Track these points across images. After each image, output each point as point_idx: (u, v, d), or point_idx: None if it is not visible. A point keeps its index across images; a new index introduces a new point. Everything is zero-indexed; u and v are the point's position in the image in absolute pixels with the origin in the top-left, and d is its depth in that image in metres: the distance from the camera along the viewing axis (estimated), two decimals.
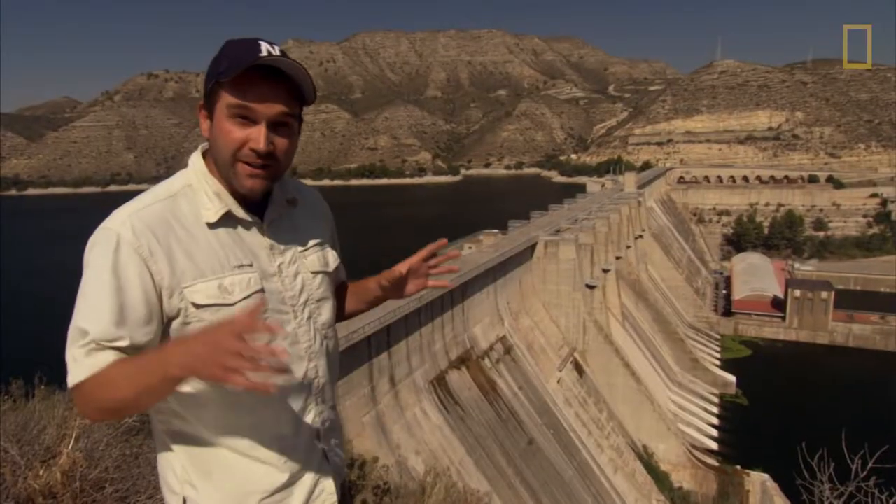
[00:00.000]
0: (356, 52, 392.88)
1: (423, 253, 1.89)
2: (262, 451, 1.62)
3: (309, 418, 1.72)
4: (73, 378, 1.41)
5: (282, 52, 1.53)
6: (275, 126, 1.55)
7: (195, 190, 1.61)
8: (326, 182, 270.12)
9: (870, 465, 3.06)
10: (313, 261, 1.81)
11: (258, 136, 1.52)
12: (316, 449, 1.76)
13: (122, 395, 1.34)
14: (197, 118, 1.69)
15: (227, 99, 1.51)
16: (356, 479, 4.62)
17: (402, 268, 1.91)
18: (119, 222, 1.50)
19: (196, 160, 1.66)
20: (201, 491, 1.61)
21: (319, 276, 1.81)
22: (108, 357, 1.41)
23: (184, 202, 1.59)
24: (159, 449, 1.67)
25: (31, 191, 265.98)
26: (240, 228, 1.64)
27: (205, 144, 1.68)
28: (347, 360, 27.71)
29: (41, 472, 3.03)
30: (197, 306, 1.52)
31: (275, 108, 1.53)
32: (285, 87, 1.54)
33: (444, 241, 1.71)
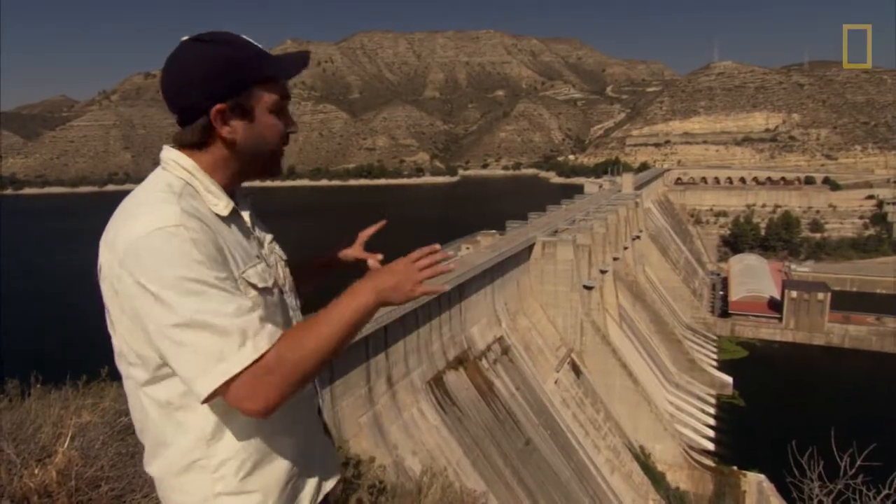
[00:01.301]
0: (354, 52, 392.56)
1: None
2: (292, 429, 1.68)
3: (316, 400, 1.89)
4: (249, 356, 1.35)
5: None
6: None
7: (195, 188, 1.59)
8: (324, 182, 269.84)
9: (858, 462, 3.09)
10: (279, 249, 1.90)
11: (292, 120, 1.70)
12: (320, 423, 1.90)
13: (323, 342, 1.42)
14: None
15: (271, 96, 1.61)
16: (352, 479, 4.64)
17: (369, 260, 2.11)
18: (175, 216, 1.43)
19: (184, 159, 1.62)
20: (248, 482, 1.57)
21: (284, 263, 1.89)
22: (276, 326, 1.45)
23: (191, 200, 1.55)
24: (182, 451, 1.56)
25: (27, 190, 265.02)
26: (240, 221, 1.69)
27: (171, 144, 1.68)
28: (345, 360, 27.72)
29: (37, 471, 3.04)
30: (256, 288, 1.56)
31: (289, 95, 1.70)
32: None
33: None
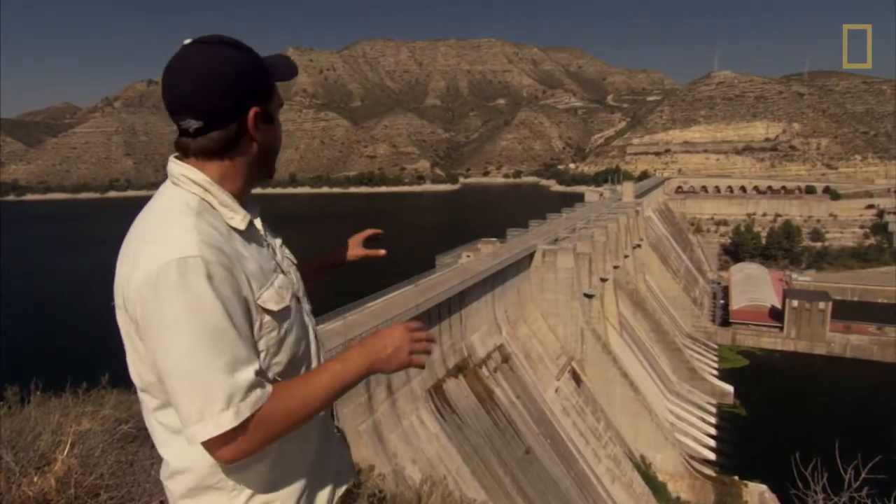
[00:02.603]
0: (356, 60, 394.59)
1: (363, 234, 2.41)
2: (306, 438, 1.69)
3: (330, 407, 1.89)
4: (227, 423, 1.36)
5: None
6: None
7: (210, 203, 1.55)
8: (325, 190, 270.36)
9: (863, 475, 3.07)
10: (289, 253, 1.88)
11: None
12: (334, 429, 1.93)
13: (307, 407, 1.46)
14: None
15: (275, 101, 1.65)
16: (351, 488, 4.60)
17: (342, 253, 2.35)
18: (194, 245, 1.40)
19: (195, 173, 1.57)
20: (264, 497, 1.59)
21: (296, 267, 1.88)
22: (264, 388, 1.43)
23: (209, 216, 1.52)
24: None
25: (29, 196, 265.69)
26: (255, 232, 1.67)
27: (175, 154, 1.62)
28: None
29: (36, 479, 3.02)
30: (272, 313, 1.54)
31: None
32: None
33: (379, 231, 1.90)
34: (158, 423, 1.56)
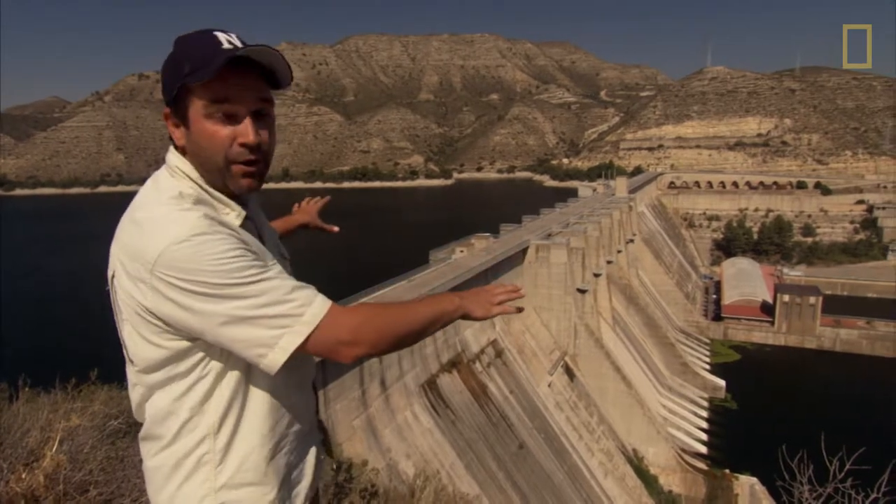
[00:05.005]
0: (349, 54, 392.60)
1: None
2: (293, 422, 1.72)
3: (314, 397, 1.91)
4: (324, 304, 1.44)
5: (238, 36, 1.52)
6: (255, 116, 1.54)
7: (203, 198, 1.56)
8: (318, 184, 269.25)
9: (847, 466, 3.12)
10: (284, 249, 1.90)
11: (245, 129, 1.51)
12: (316, 419, 1.95)
13: (404, 327, 1.53)
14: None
15: (201, 100, 1.49)
16: (343, 482, 4.62)
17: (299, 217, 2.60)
18: (202, 225, 1.43)
19: (186, 165, 1.59)
20: (251, 474, 1.60)
21: (287, 261, 1.89)
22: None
23: (205, 208, 1.52)
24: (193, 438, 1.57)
25: (18, 191, 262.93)
26: (249, 227, 1.66)
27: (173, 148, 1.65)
28: (338, 363, 27.60)
29: (24, 476, 3.00)
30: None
31: (254, 98, 1.53)
32: (257, 73, 1.53)
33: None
34: (156, 400, 1.56)
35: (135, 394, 1.64)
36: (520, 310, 1.80)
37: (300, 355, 1.60)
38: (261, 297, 1.40)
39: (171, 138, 1.63)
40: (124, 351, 1.62)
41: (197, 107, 1.49)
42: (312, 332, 1.43)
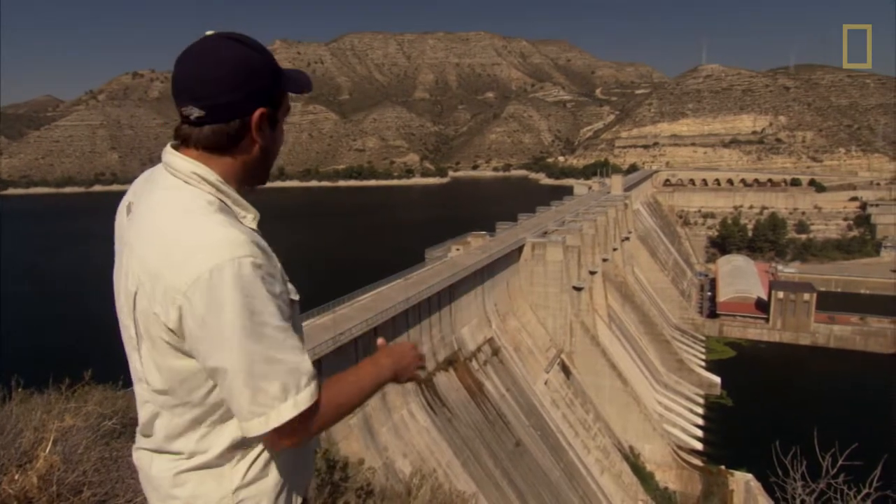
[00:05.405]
0: (344, 53, 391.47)
1: None
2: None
3: None
4: (288, 413, 1.44)
5: None
6: None
7: (225, 202, 1.57)
8: (314, 183, 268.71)
9: (839, 462, 3.13)
10: None
11: (283, 135, 1.78)
12: None
13: (352, 403, 1.62)
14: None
15: (283, 108, 1.66)
16: (339, 481, 4.61)
17: None
18: (245, 245, 1.43)
19: (208, 173, 1.56)
20: (264, 470, 1.66)
21: None
22: (317, 379, 1.52)
23: (228, 214, 1.54)
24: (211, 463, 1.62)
25: (11, 190, 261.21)
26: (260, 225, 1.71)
27: (172, 143, 1.63)
28: (335, 361, 27.59)
29: (17, 477, 2.98)
30: (293, 303, 1.62)
31: None
32: None
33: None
34: (172, 418, 1.59)
35: (145, 411, 1.64)
36: (421, 377, 1.95)
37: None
38: (246, 367, 1.41)
39: (178, 133, 1.58)
40: (134, 369, 1.62)
41: (284, 112, 1.67)
42: (282, 424, 1.45)
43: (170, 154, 1.59)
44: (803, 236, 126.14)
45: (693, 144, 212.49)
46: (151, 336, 1.49)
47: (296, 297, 1.64)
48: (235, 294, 1.37)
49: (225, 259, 1.38)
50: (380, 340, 1.97)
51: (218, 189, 1.56)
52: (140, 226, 1.52)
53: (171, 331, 1.44)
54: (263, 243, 1.54)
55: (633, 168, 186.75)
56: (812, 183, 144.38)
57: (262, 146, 1.62)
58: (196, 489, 1.59)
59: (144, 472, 1.69)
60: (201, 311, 1.38)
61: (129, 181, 1.62)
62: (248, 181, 1.66)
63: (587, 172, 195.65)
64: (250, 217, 1.61)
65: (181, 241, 1.43)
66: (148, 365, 1.55)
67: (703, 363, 73.53)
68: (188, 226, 1.45)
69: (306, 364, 1.49)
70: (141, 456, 1.69)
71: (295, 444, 1.51)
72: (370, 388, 1.69)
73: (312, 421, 1.49)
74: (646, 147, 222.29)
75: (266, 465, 1.65)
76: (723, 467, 49.60)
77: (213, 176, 1.56)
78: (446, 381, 37.02)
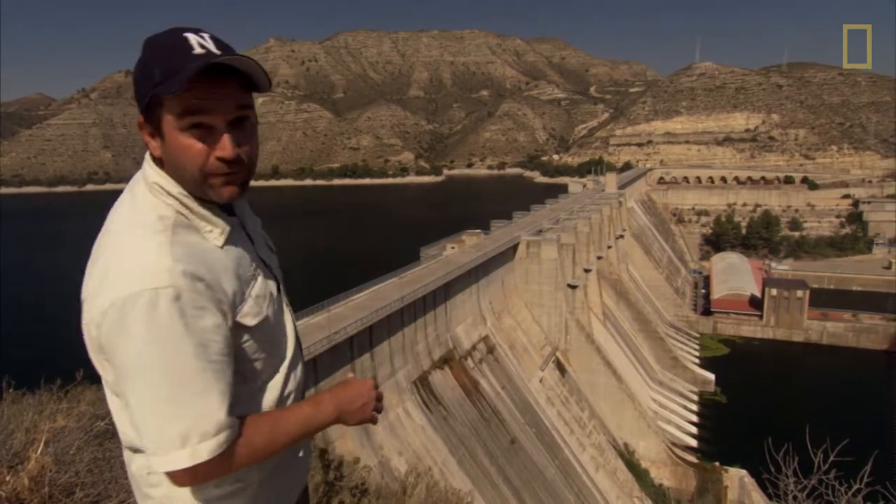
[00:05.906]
0: (338, 51, 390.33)
1: None
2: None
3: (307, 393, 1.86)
4: (182, 462, 1.34)
5: (212, 36, 1.40)
6: (234, 124, 1.42)
7: (186, 216, 1.46)
8: (308, 182, 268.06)
9: (831, 458, 3.16)
10: (269, 240, 1.85)
11: (223, 143, 1.40)
12: None
13: (272, 448, 1.47)
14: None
15: (174, 111, 1.36)
16: (334, 480, 4.61)
17: None
18: (167, 274, 1.32)
19: (169, 183, 1.46)
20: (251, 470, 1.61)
21: (274, 256, 1.85)
22: (228, 430, 1.39)
23: (185, 233, 1.43)
24: None
25: (3, 189, 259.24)
26: (235, 237, 1.56)
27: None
28: (330, 360, 27.56)
29: (8, 478, 2.96)
30: (249, 329, 1.49)
31: (231, 107, 1.40)
32: (233, 79, 1.40)
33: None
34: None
35: (113, 406, 1.62)
36: (376, 419, 1.72)
37: (296, 361, 1.69)
38: (150, 404, 1.33)
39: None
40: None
41: (170, 119, 1.37)
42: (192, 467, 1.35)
43: (146, 160, 1.52)
44: (796, 234, 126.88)
45: (687, 142, 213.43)
46: (91, 349, 1.45)
47: (253, 321, 1.50)
48: (143, 326, 1.28)
49: (144, 288, 1.29)
50: (349, 375, 1.84)
51: (180, 202, 1.44)
52: (99, 240, 1.45)
53: (100, 345, 1.39)
54: (208, 267, 1.40)
55: (627, 166, 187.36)
56: (805, 180, 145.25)
57: (158, 158, 1.46)
58: (169, 491, 1.52)
59: (127, 469, 1.66)
60: (113, 335, 1.32)
61: (123, 180, 1.59)
62: (193, 194, 1.46)
63: (582, 170, 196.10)
64: (217, 231, 1.48)
65: (115, 256, 1.37)
66: (98, 369, 1.54)
67: (697, 360, 73.90)
68: (124, 246, 1.38)
69: (217, 413, 1.35)
70: (125, 454, 1.67)
71: (194, 483, 1.40)
72: (298, 433, 1.51)
73: (219, 467, 1.38)
74: (640, 145, 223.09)
75: (244, 473, 1.54)
76: (717, 464, 49.90)
77: (176, 189, 1.44)
78: (441, 380, 37.05)
